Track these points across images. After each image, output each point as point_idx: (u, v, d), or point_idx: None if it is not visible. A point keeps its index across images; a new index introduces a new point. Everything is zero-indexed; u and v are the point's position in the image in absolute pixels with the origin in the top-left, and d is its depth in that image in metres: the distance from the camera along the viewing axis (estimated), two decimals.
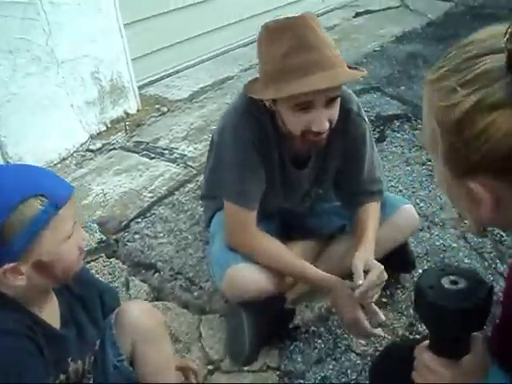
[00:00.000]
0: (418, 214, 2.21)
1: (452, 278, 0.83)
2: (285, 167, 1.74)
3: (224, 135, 1.67)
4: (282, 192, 1.80)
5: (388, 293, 1.91)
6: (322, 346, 1.76)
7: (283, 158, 1.72)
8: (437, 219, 2.26)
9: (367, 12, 5.35)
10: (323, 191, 1.90)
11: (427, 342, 0.90)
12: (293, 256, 1.71)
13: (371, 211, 1.78)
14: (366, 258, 1.60)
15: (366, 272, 1.56)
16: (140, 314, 1.32)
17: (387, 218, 1.83)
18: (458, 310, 0.80)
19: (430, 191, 2.42)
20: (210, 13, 4.08)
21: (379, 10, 5.39)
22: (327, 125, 1.51)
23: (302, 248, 1.88)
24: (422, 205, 2.34)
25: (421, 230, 2.18)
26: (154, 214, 2.45)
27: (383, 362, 1.23)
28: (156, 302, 1.95)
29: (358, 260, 1.59)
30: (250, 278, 1.67)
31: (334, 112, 1.53)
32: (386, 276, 1.59)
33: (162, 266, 2.14)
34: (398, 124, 3.04)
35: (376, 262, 1.60)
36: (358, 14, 5.28)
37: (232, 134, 1.64)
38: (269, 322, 1.71)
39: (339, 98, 1.53)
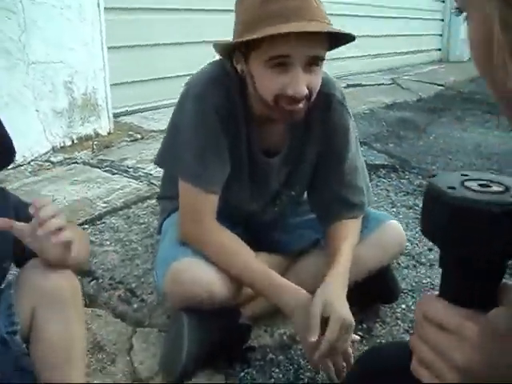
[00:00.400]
0: (403, 253, 1.98)
1: (481, 182, 0.57)
2: (253, 154, 1.48)
3: (184, 102, 1.42)
4: (249, 186, 1.53)
5: (365, 326, 1.60)
6: (280, 376, 1.42)
7: (251, 141, 1.47)
8: (424, 259, 1.99)
9: (359, 85, 5.33)
10: (296, 195, 1.62)
11: (434, 292, 0.60)
12: (255, 260, 1.42)
13: (349, 229, 1.51)
14: (327, 299, 1.29)
15: (325, 319, 1.27)
16: (46, 272, 1.01)
17: (370, 233, 1.56)
18: (496, 213, 0.52)
19: (416, 232, 2.16)
20: (197, 53, 3.96)
21: (371, 85, 5.37)
22: (305, 90, 1.26)
23: (266, 260, 1.56)
24: (408, 245, 2.07)
25: (405, 268, 1.92)
26: (104, 222, 2.15)
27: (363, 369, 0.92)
28: (85, 309, 1.61)
29: (316, 303, 1.28)
30: (198, 275, 1.36)
31: (314, 79, 1.30)
32: (351, 324, 1.29)
33: (101, 274, 1.81)
34: (384, 172, 2.84)
35: (338, 308, 1.28)
36: (349, 86, 5.25)
37: (193, 101, 1.38)
38: (215, 332, 1.38)
39: (321, 66, 1.31)
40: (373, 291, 1.59)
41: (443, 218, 0.55)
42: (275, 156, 1.50)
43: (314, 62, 1.27)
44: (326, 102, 1.47)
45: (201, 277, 1.36)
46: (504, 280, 0.58)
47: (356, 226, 1.54)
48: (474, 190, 0.55)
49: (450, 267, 0.59)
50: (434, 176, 0.60)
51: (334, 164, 1.53)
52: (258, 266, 1.40)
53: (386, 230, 1.58)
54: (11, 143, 1.08)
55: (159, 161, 1.52)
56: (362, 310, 1.61)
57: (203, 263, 1.39)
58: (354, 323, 1.30)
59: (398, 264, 1.94)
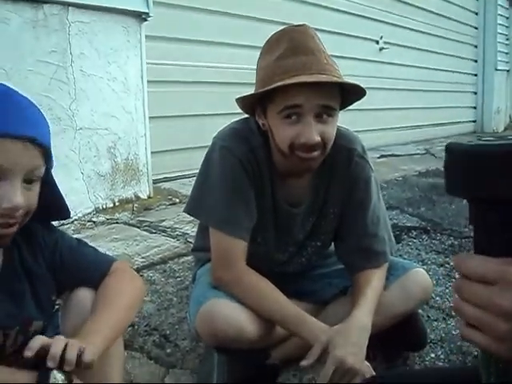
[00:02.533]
0: (432, 306, 2.00)
1: (498, 138, 0.59)
2: (277, 205, 1.57)
3: (211, 153, 1.52)
4: (275, 236, 1.60)
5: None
6: None
7: (276, 194, 1.55)
8: (453, 313, 1.99)
9: (392, 155, 5.42)
10: (321, 245, 1.68)
11: (467, 253, 0.60)
12: (287, 301, 1.47)
13: (373, 276, 1.56)
14: (332, 335, 1.35)
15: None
16: (92, 297, 1.09)
17: (395, 280, 1.60)
18: None
19: (447, 288, 2.18)
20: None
21: (404, 155, 5.46)
22: (316, 137, 1.36)
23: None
24: (437, 299, 2.09)
25: (435, 321, 1.92)
26: (141, 275, 2.24)
27: None
28: None
29: (323, 333, 1.37)
30: (228, 315, 1.41)
31: (327, 129, 1.39)
32: (352, 369, 1.30)
33: (137, 322, 1.88)
34: (415, 233, 2.87)
35: (338, 349, 1.32)
36: (382, 156, 5.35)
37: (220, 152, 1.49)
38: (243, 372, 1.42)
39: (335, 117, 1.41)
40: (399, 338, 1.60)
41: (469, 166, 0.56)
42: (299, 207, 1.59)
43: (326, 112, 1.37)
44: (347, 155, 1.56)
45: (232, 316, 1.42)
46: None
47: (380, 273, 1.58)
48: (492, 141, 0.57)
49: (479, 218, 0.59)
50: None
51: (357, 215, 1.60)
52: (291, 306, 1.46)
53: (411, 276, 1.61)
54: (64, 203, 1.16)
55: (188, 209, 1.60)
56: (389, 357, 1.63)
57: (234, 303, 1.45)
58: (363, 371, 1.31)
59: (428, 317, 1.95)
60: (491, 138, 0.59)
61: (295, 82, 1.31)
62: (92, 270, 1.14)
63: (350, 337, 1.37)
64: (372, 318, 1.44)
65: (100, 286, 1.11)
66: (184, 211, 1.62)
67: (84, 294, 1.12)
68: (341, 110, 1.47)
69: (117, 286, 1.12)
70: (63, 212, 1.16)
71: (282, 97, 1.35)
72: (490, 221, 0.57)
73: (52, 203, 1.10)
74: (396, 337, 1.59)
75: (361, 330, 1.40)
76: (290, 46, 1.37)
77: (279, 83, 1.32)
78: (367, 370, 1.35)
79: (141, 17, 3.13)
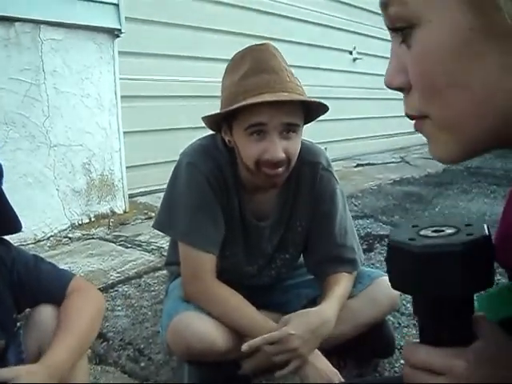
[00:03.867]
0: (403, 313, 2.04)
1: (433, 228, 0.62)
2: (245, 219, 1.60)
3: (178, 169, 1.55)
4: (243, 249, 1.63)
5: None
6: None
7: (243, 208, 1.59)
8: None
9: (368, 164, 5.50)
10: (290, 258, 1.71)
11: (414, 341, 0.65)
12: (256, 312, 1.50)
13: (341, 278, 1.60)
14: (292, 315, 1.44)
15: None
16: (53, 314, 1.11)
17: (363, 288, 1.64)
18: (457, 252, 0.56)
19: None
20: None
21: (380, 164, 5.54)
22: (281, 154, 1.40)
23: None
24: (408, 306, 2.13)
25: (406, 327, 1.96)
26: (116, 290, 2.26)
27: None
28: (94, 366, 1.69)
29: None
30: (198, 328, 1.44)
31: (292, 145, 1.43)
32: (293, 342, 1.39)
33: (112, 336, 1.90)
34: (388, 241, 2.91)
35: (289, 328, 1.40)
36: (359, 165, 5.42)
37: (186, 168, 1.52)
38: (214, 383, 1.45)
39: (298, 133, 1.45)
40: (368, 345, 1.64)
41: (411, 267, 0.58)
42: (266, 221, 1.62)
43: (290, 128, 1.42)
44: (312, 169, 1.60)
45: (201, 329, 1.44)
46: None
47: (348, 276, 1.62)
48: (431, 237, 0.60)
49: (424, 312, 0.62)
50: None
51: (324, 227, 1.63)
52: (259, 317, 1.49)
53: (378, 285, 1.65)
54: (14, 215, 1.17)
55: (157, 224, 1.63)
56: (359, 364, 1.67)
57: (204, 316, 1.47)
58: (305, 358, 1.39)
59: (399, 324, 1.99)
60: (427, 227, 0.62)
61: (258, 102, 1.34)
62: (51, 289, 1.15)
63: (308, 323, 1.42)
64: (337, 313, 1.48)
65: (60, 309, 1.13)
66: (152, 226, 1.65)
67: (45, 312, 1.14)
68: (305, 124, 1.51)
69: (77, 309, 1.14)
70: (14, 224, 1.16)
71: (247, 115, 1.39)
72: (434, 314, 0.60)
73: (2, 216, 1.11)
74: (365, 344, 1.62)
75: (322, 321, 1.45)
76: (253, 65, 1.40)
77: (243, 102, 1.36)
78: (335, 376, 1.39)
79: (113, 33, 3.16)
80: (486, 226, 0.60)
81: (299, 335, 1.38)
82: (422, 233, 0.60)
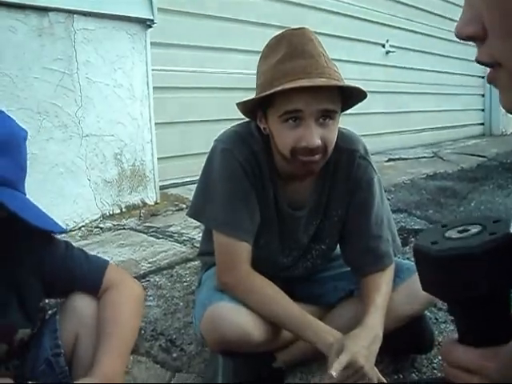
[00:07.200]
0: (440, 308, 1.98)
1: (460, 228, 0.60)
2: (280, 208, 1.56)
3: (212, 156, 1.52)
4: (279, 239, 1.59)
5: (401, 376, 1.60)
6: None
7: (278, 197, 1.55)
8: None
9: (400, 159, 5.40)
10: (326, 249, 1.67)
11: (455, 336, 0.63)
12: (292, 303, 1.47)
13: (381, 281, 1.55)
14: (343, 338, 1.36)
15: None
16: (90, 301, 1.10)
17: (402, 282, 1.60)
18: (481, 252, 0.55)
19: None
20: None
21: (412, 158, 5.44)
22: (317, 141, 1.35)
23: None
24: None
25: (443, 323, 1.91)
26: (148, 280, 2.24)
27: None
28: None
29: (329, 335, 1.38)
30: (233, 319, 1.41)
31: (328, 132, 1.39)
32: (362, 368, 1.31)
33: (143, 326, 1.88)
34: None
35: (351, 348, 1.32)
36: (390, 160, 5.32)
37: (221, 155, 1.49)
38: (248, 375, 1.41)
39: (336, 120, 1.41)
40: (406, 340, 1.59)
41: (434, 272, 0.60)
42: (302, 210, 1.58)
43: (327, 115, 1.37)
44: (349, 157, 1.55)
45: (236, 320, 1.42)
46: None
47: (387, 277, 1.58)
48: (454, 239, 0.59)
49: (457, 313, 0.63)
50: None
51: (361, 217, 1.59)
52: (296, 308, 1.45)
53: (416, 278, 1.59)
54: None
55: (191, 212, 1.61)
56: (397, 359, 1.62)
57: (239, 307, 1.44)
58: (371, 377, 1.32)
59: (436, 319, 1.94)
60: (454, 226, 0.61)
61: (294, 87, 1.30)
62: (86, 278, 1.14)
63: (362, 342, 1.36)
64: (383, 326, 1.44)
65: (101, 305, 1.11)
66: (187, 215, 1.62)
67: (82, 300, 1.12)
68: (343, 111, 1.47)
69: (120, 310, 1.13)
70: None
71: (282, 101, 1.35)
72: (467, 315, 0.60)
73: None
74: (403, 339, 1.58)
75: (373, 338, 1.40)
76: (289, 50, 1.36)
77: (278, 88, 1.32)
78: (376, 376, 1.35)
79: (145, 23, 3.14)
80: None
81: (362, 353, 1.32)
82: (447, 234, 0.60)
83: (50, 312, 1.23)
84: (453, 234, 0.60)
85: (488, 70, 0.53)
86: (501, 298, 0.59)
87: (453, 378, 0.61)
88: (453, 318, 0.64)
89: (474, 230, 0.59)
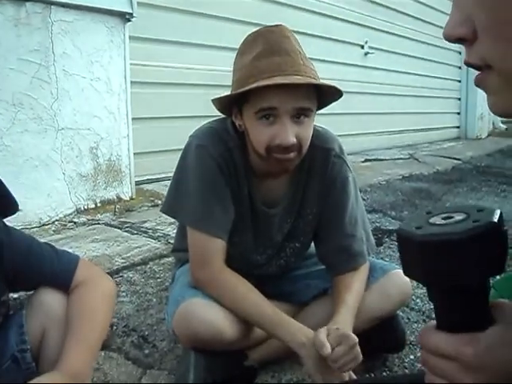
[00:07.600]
0: (413, 308, 2.00)
1: (444, 215, 0.61)
2: (254, 205, 1.56)
3: (187, 152, 1.51)
4: (253, 237, 1.59)
5: (372, 375, 1.61)
6: None
7: (252, 194, 1.55)
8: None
9: (376, 160, 5.45)
10: (300, 247, 1.67)
11: (433, 322, 0.64)
12: (265, 301, 1.46)
13: (353, 280, 1.56)
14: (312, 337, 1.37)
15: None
16: (57, 295, 1.08)
17: (375, 282, 1.61)
18: (465, 238, 0.55)
19: None
20: None
21: (388, 159, 5.49)
22: (292, 139, 1.35)
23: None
24: (418, 301, 2.09)
25: (415, 322, 1.93)
26: (121, 276, 2.22)
27: None
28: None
29: (320, 330, 1.36)
30: (206, 316, 1.40)
31: (303, 130, 1.39)
32: (355, 340, 1.34)
33: (115, 322, 1.86)
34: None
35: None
36: (367, 160, 5.37)
37: (195, 150, 1.48)
38: (220, 373, 1.41)
39: (311, 118, 1.41)
40: (378, 340, 1.60)
41: (417, 256, 0.59)
42: (276, 208, 1.58)
43: (302, 113, 1.37)
44: (324, 156, 1.56)
45: (209, 318, 1.41)
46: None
47: (361, 275, 1.58)
48: (438, 225, 0.59)
49: (437, 299, 0.62)
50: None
51: (335, 216, 1.59)
52: (268, 306, 1.45)
53: (390, 278, 1.61)
54: (10, 196, 1.14)
55: (165, 209, 1.59)
56: (368, 358, 1.62)
57: (212, 304, 1.44)
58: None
59: (408, 319, 1.96)
60: (438, 213, 0.61)
61: (269, 84, 1.30)
62: (55, 275, 1.12)
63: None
64: (352, 325, 1.44)
65: (70, 301, 1.10)
66: (161, 211, 1.61)
67: (50, 295, 1.10)
68: (318, 110, 1.47)
69: (90, 307, 1.11)
70: (11, 206, 1.12)
71: (258, 98, 1.35)
72: (447, 301, 0.61)
73: None
74: (375, 338, 1.58)
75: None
76: (266, 47, 1.36)
77: (253, 85, 1.32)
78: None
79: (125, 17, 3.12)
80: (497, 212, 0.59)
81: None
82: (432, 220, 0.60)
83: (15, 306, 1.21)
84: (437, 220, 0.60)
85: (476, 72, 0.54)
86: (481, 285, 0.59)
87: (430, 368, 0.60)
88: (432, 305, 0.64)
89: (458, 217, 0.59)
